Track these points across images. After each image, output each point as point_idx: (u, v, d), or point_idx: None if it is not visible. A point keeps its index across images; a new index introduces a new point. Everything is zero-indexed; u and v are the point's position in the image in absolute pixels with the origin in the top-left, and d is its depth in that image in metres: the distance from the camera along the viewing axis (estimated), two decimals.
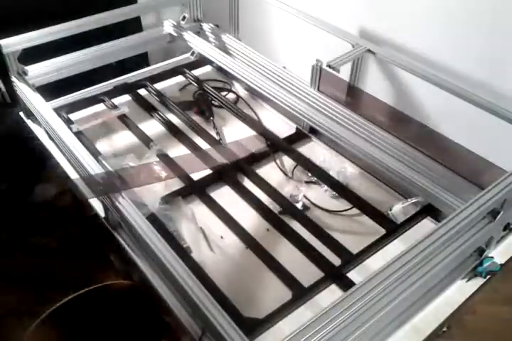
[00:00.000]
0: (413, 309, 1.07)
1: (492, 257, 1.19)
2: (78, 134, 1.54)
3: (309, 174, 1.50)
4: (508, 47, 1.57)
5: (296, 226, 1.32)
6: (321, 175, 1.47)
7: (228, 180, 1.47)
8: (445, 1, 1.57)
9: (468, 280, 1.18)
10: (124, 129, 1.68)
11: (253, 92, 1.86)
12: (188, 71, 1.92)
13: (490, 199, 1.00)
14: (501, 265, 1.18)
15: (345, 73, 1.56)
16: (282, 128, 1.68)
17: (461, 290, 1.16)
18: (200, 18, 1.93)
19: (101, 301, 1.41)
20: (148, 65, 2.13)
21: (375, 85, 1.66)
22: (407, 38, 1.83)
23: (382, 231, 1.30)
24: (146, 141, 1.59)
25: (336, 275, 1.18)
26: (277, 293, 1.15)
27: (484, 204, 0.99)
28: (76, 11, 1.72)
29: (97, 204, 1.34)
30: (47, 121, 1.38)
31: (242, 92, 1.88)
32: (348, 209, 1.37)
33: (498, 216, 1.06)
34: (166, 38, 1.91)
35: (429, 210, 1.35)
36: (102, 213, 1.31)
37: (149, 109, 1.75)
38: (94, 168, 1.21)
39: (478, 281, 1.18)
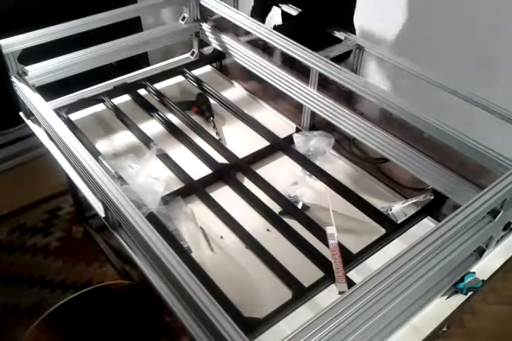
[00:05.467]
0: (413, 309, 1.07)
1: (474, 273, 1.18)
2: (78, 134, 1.54)
3: (309, 174, 1.50)
4: None
5: (296, 226, 1.32)
6: (321, 175, 1.47)
7: (228, 179, 1.47)
8: None
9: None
10: (124, 129, 1.68)
11: (253, 92, 1.87)
12: (188, 71, 1.92)
13: (490, 198, 1.00)
14: (483, 281, 1.18)
15: None
16: (282, 128, 1.68)
17: None
18: (199, 18, 1.93)
19: (101, 301, 1.41)
20: (148, 65, 2.13)
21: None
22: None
23: (382, 231, 1.30)
24: (146, 141, 1.59)
25: None
26: (277, 292, 1.15)
27: (484, 203, 0.99)
28: (76, 11, 1.72)
29: (97, 204, 1.34)
30: (47, 121, 1.38)
31: (242, 92, 1.88)
32: (348, 209, 1.37)
33: (498, 215, 1.07)
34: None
35: (429, 210, 1.35)
36: (102, 213, 1.31)
37: (149, 109, 1.75)
38: (94, 168, 1.21)
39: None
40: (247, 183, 1.46)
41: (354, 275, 1.18)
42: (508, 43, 1.99)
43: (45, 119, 1.39)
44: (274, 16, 2.06)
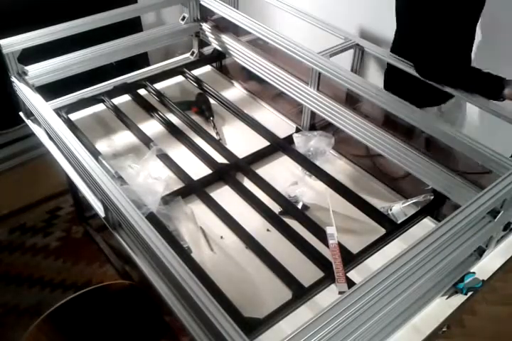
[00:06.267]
0: (413, 309, 1.07)
1: (474, 273, 1.18)
2: (78, 134, 1.54)
3: (309, 174, 1.50)
4: None
5: (297, 226, 1.32)
6: (320, 175, 1.47)
7: (228, 179, 1.47)
8: None
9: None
10: (124, 129, 1.68)
11: (253, 92, 1.87)
12: (188, 71, 1.92)
13: (490, 199, 1.00)
14: (483, 281, 1.18)
15: None
16: (282, 128, 1.68)
17: None
18: (199, 18, 1.93)
19: (101, 301, 1.41)
20: (148, 65, 2.13)
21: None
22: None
23: (382, 231, 1.30)
24: (146, 141, 1.59)
25: None
26: (277, 293, 1.15)
27: (484, 204, 0.99)
28: (76, 11, 1.72)
29: (97, 204, 1.34)
30: (47, 121, 1.38)
31: (242, 92, 1.88)
32: (348, 209, 1.37)
33: (498, 216, 1.07)
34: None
35: (429, 210, 1.35)
36: (102, 213, 1.31)
37: (149, 109, 1.75)
38: (94, 168, 1.21)
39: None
40: (247, 183, 1.46)
41: (354, 275, 1.18)
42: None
43: (45, 119, 1.39)
44: None
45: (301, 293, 1.14)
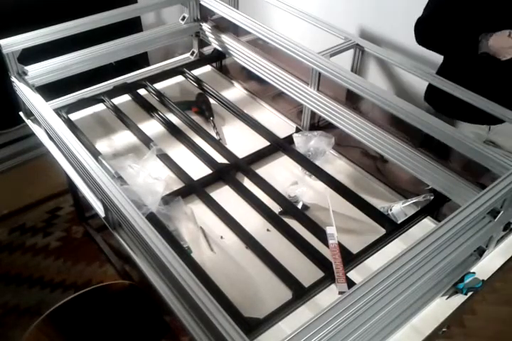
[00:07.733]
0: (413, 309, 1.07)
1: (474, 273, 1.18)
2: (78, 134, 1.54)
3: (309, 174, 1.50)
4: None
5: (296, 226, 1.32)
6: (320, 175, 1.47)
7: (228, 179, 1.47)
8: None
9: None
10: (124, 129, 1.68)
11: (253, 92, 1.87)
12: (188, 71, 1.92)
13: (490, 199, 1.00)
14: (483, 281, 1.18)
15: None
16: (282, 128, 1.68)
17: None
18: (199, 18, 1.93)
19: (101, 301, 1.41)
20: (148, 64, 2.13)
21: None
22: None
23: (382, 231, 1.30)
24: (146, 141, 1.59)
25: None
26: (277, 293, 1.15)
27: (484, 204, 0.99)
28: (76, 11, 1.72)
29: (97, 204, 1.34)
30: (47, 121, 1.38)
31: (242, 92, 1.88)
32: (348, 209, 1.37)
33: (498, 216, 1.07)
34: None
35: (429, 210, 1.35)
36: (102, 213, 1.31)
37: (149, 109, 1.75)
38: (94, 168, 1.21)
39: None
40: (247, 183, 1.46)
41: (354, 275, 1.18)
42: None
43: (45, 119, 1.39)
44: None
45: (301, 293, 1.14)
